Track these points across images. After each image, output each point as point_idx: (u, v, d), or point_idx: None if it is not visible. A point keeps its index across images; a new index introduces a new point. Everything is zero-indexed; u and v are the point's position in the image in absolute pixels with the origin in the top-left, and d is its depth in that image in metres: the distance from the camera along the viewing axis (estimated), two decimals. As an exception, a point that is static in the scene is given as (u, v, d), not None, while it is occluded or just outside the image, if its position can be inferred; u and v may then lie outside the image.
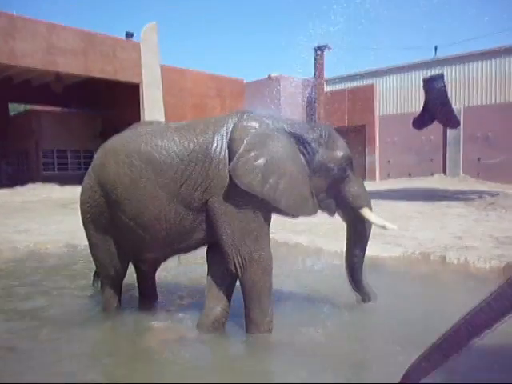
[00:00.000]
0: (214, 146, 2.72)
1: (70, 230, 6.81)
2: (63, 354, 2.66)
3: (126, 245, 3.07)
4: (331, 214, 3.11)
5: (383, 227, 2.96)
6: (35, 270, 4.83)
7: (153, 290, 3.63)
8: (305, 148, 2.76)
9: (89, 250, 3.36)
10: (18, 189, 16.39)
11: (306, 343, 2.70)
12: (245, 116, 2.79)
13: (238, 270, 2.70)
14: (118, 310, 3.34)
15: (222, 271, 2.81)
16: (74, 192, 12.62)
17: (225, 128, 2.77)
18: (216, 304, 2.84)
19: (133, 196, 2.79)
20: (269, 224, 2.80)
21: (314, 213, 2.87)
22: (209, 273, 2.92)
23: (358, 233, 3.15)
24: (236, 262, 2.69)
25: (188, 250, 3.05)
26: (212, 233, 2.76)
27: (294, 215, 2.86)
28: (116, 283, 3.29)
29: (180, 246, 2.94)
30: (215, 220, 2.69)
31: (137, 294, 3.66)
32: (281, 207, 2.67)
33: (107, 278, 3.27)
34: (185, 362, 2.49)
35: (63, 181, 18.21)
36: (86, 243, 4.86)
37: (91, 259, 3.40)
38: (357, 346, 2.74)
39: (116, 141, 3.03)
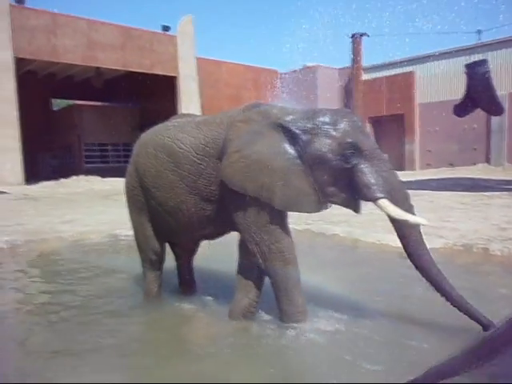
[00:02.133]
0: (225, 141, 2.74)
1: (111, 220, 7.05)
2: (103, 343, 2.76)
3: (159, 228, 3.28)
4: (355, 209, 2.69)
5: (407, 222, 2.44)
6: (79, 257, 5.04)
7: (191, 277, 3.73)
8: (297, 142, 2.56)
9: (129, 240, 3.49)
10: (62, 181, 17.05)
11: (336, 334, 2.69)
12: (246, 111, 2.76)
13: (261, 262, 2.72)
14: (158, 296, 3.46)
15: (250, 262, 2.83)
16: (114, 184, 13.07)
17: None
18: (244, 295, 2.88)
19: (158, 185, 3.01)
20: (283, 216, 2.74)
21: (318, 209, 2.65)
22: (238, 263, 2.96)
23: (397, 232, 2.63)
24: (257, 254, 2.71)
25: (214, 236, 3.21)
26: (232, 224, 2.80)
27: (295, 211, 2.69)
28: (155, 267, 3.43)
29: (204, 232, 3.07)
30: (232, 214, 2.74)
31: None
32: (275, 205, 2.55)
33: (147, 262, 3.44)
34: (210, 350, 2.54)
35: (104, 173, 18.80)
36: (127, 233, 5.05)
37: (133, 248, 3.55)
38: (395, 335, 2.70)
39: (148, 133, 3.26)
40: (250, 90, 23.31)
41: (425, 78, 22.35)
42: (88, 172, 20.07)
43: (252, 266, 2.84)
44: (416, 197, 9.72)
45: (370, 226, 6.01)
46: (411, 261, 2.64)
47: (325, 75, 26.49)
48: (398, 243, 5.01)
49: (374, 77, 24.19)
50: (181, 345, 2.68)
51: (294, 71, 27.35)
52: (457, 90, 19.98)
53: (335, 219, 6.64)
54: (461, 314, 2.57)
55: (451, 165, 20.10)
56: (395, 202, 2.48)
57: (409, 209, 2.52)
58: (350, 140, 2.49)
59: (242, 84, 22.98)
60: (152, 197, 3.11)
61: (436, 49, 21.99)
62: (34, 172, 24.48)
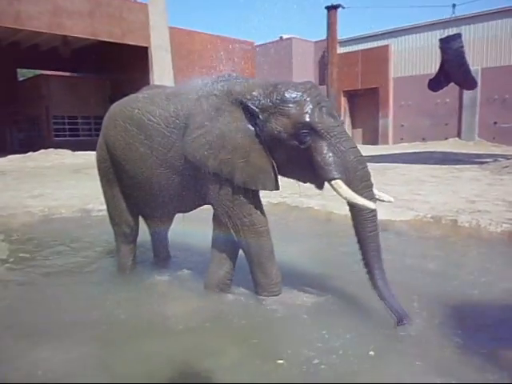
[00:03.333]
0: None
1: (82, 194, 6.89)
2: (74, 320, 2.72)
3: (131, 201, 3.25)
4: (318, 187, 2.62)
5: (362, 206, 2.34)
6: (50, 232, 4.93)
7: (165, 250, 3.72)
8: (256, 120, 2.51)
9: (101, 215, 3.42)
10: (31, 155, 16.52)
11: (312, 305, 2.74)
12: (213, 84, 2.70)
13: (234, 234, 2.72)
14: (132, 270, 3.45)
15: (224, 235, 2.82)
16: (85, 158, 12.76)
17: None
18: (219, 267, 2.89)
19: (128, 157, 2.97)
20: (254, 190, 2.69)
21: (277, 187, 2.61)
22: (212, 236, 2.94)
23: (353, 216, 2.50)
24: (230, 227, 2.71)
25: (187, 210, 3.17)
26: (205, 197, 2.79)
27: (254, 189, 2.63)
28: (129, 241, 3.41)
29: (176, 205, 3.04)
30: (205, 187, 2.73)
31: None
32: (235, 182, 2.54)
33: (120, 236, 3.42)
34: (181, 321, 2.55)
35: (74, 147, 18.31)
36: (99, 208, 4.94)
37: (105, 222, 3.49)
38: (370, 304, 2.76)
39: (117, 105, 3.20)
40: (224, 62, 22.85)
41: (399, 51, 22.43)
42: (57, 145, 19.46)
43: (226, 239, 2.83)
44: (389, 170, 9.92)
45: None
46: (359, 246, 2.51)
47: (300, 48, 26.27)
48: (370, 216, 5.11)
49: (349, 50, 24.12)
50: (157, 320, 2.65)
51: (270, 43, 26.99)
52: (431, 64, 20.16)
53: (310, 192, 6.67)
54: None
55: (424, 139, 20.46)
56: (350, 182, 2.36)
57: (365, 190, 2.39)
58: (304, 120, 2.38)
59: (216, 55, 22.49)
60: (123, 170, 3.08)
61: (411, 22, 22.04)
62: (0, 145, 23.67)
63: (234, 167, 2.51)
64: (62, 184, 8.71)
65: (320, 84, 24.37)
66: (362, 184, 2.40)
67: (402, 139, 21.71)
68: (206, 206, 2.96)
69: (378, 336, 2.34)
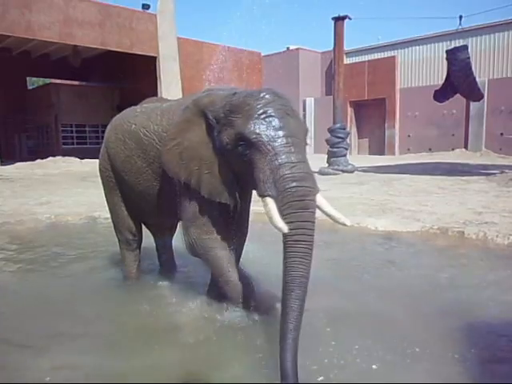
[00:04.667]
0: None
1: (89, 202, 6.95)
2: (79, 329, 2.73)
3: (132, 209, 3.33)
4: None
5: (280, 230, 2.01)
6: (56, 239, 4.96)
7: (171, 259, 3.73)
8: (214, 131, 2.46)
9: (107, 223, 3.46)
10: (39, 162, 16.67)
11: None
12: (194, 96, 2.68)
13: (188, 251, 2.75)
14: (137, 278, 3.46)
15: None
16: (92, 165, 12.84)
17: None
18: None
19: (127, 169, 3.06)
20: (218, 207, 2.59)
21: (235, 200, 2.50)
22: None
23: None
24: (185, 244, 2.72)
25: None
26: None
27: (218, 201, 2.52)
28: (132, 248, 3.45)
29: (174, 214, 2.97)
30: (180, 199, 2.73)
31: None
32: (202, 193, 2.51)
33: (123, 243, 3.47)
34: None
35: (82, 154, 18.45)
36: (106, 215, 4.97)
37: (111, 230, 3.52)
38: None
39: (117, 118, 3.28)
40: (231, 72, 23.02)
41: (406, 62, 22.48)
42: (65, 153, 19.65)
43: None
44: (395, 181, 9.90)
45: (349, 208, 6.08)
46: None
47: (307, 58, 26.42)
48: (376, 226, 5.11)
49: (356, 61, 24.23)
50: (165, 331, 2.63)
51: (277, 53, 27.18)
52: (437, 75, 20.20)
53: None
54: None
55: (430, 150, 20.42)
56: (278, 201, 2.08)
57: (289, 211, 2.04)
58: (240, 131, 2.22)
59: (224, 65, 22.65)
60: (122, 180, 3.17)
61: (418, 34, 22.11)
62: (10, 153, 23.91)
63: (201, 179, 2.51)
64: (69, 191, 8.77)
65: (327, 94, 24.46)
66: (287, 204, 2.04)
67: (408, 150, 21.67)
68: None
69: (383, 350, 2.32)
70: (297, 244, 2.01)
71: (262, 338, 2.46)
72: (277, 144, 2.14)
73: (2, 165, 16.22)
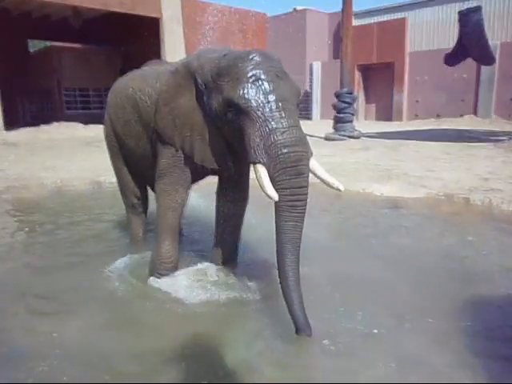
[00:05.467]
0: None
1: (94, 167, 6.94)
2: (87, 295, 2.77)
3: (135, 173, 3.35)
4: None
5: (270, 197, 2.03)
6: (64, 204, 4.99)
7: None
8: (203, 96, 2.39)
9: (113, 187, 3.47)
10: (43, 127, 16.59)
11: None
12: (186, 59, 2.65)
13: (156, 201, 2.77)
14: (143, 240, 3.50)
15: (228, 209, 2.87)
16: (96, 131, 12.76)
17: None
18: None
19: (127, 133, 3.06)
20: (189, 170, 2.63)
21: (228, 163, 2.48)
22: (216, 210, 2.97)
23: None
24: (157, 193, 2.75)
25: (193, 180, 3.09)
26: None
27: (210, 166, 2.51)
28: (138, 211, 3.51)
29: None
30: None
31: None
32: (195, 159, 2.50)
33: (129, 206, 3.52)
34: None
35: (86, 119, 18.32)
36: (111, 180, 4.98)
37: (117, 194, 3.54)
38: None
39: (118, 82, 3.28)
40: (236, 34, 22.48)
41: (417, 25, 21.80)
42: (69, 118, 19.52)
43: (230, 214, 2.87)
44: (402, 146, 9.79)
45: (355, 174, 6.05)
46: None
47: (315, 20, 25.67)
48: (381, 192, 5.09)
49: (365, 23, 23.52)
50: (168, 303, 2.63)
51: (283, 15, 26.41)
52: (449, 38, 19.60)
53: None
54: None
55: (438, 116, 20.07)
56: (270, 167, 2.06)
57: (282, 177, 2.04)
58: (228, 96, 2.14)
59: (228, 28, 22.10)
60: (124, 144, 3.18)
61: (429, -6, 21.33)
62: (13, 118, 23.75)
63: (193, 145, 2.48)
64: (73, 157, 8.77)
65: (334, 58, 23.91)
66: (280, 170, 2.03)
67: (416, 116, 21.31)
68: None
69: (384, 316, 2.35)
70: (292, 209, 2.05)
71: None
72: (267, 109, 2.07)
73: (5, 130, 16.18)
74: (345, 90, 12.16)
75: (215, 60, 2.30)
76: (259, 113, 2.08)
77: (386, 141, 10.61)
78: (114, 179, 3.62)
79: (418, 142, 10.09)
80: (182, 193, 2.69)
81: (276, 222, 2.09)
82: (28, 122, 21.72)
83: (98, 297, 2.63)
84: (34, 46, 29.14)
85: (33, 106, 27.01)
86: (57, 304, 2.54)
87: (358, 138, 11.58)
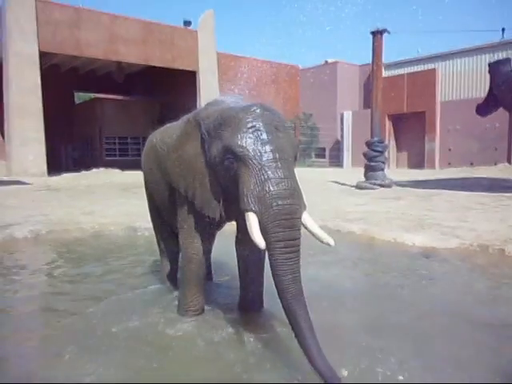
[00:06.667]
0: None
1: (130, 212, 7.19)
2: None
3: (162, 218, 3.44)
4: None
5: (258, 245, 2.08)
6: (101, 248, 5.19)
7: (208, 270, 3.79)
8: (205, 144, 2.48)
9: (148, 233, 3.62)
10: (83, 173, 17.37)
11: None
12: (194, 111, 2.76)
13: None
14: (174, 285, 3.54)
15: (248, 255, 2.89)
16: (133, 177, 13.28)
17: None
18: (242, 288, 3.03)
19: (150, 180, 3.30)
20: (202, 218, 2.63)
21: (216, 214, 2.50)
22: (237, 257, 3.01)
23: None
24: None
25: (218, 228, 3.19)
26: None
27: (208, 214, 2.54)
28: (170, 257, 3.52)
29: None
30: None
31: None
32: (195, 206, 2.55)
33: (161, 251, 3.66)
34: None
35: (123, 166, 19.09)
36: (146, 226, 5.17)
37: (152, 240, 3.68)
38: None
39: (152, 133, 3.42)
40: (269, 86, 23.31)
41: (447, 75, 22.03)
42: (108, 164, 20.39)
43: (249, 261, 2.89)
44: (434, 196, 9.69)
45: (386, 224, 6.03)
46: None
47: (345, 71, 26.36)
48: (414, 242, 5.05)
49: (395, 74, 23.96)
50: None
51: (315, 67, 27.28)
52: (479, 88, 19.67)
53: (351, 216, 6.67)
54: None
55: (471, 164, 19.80)
56: (262, 217, 2.09)
57: (275, 230, 2.07)
58: (227, 143, 2.21)
59: (261, 79, 22.98)
60: (151, 191, 3.41)
61: (459, 46, 21.67)
62: (56, 164, 25.02)
63: (195, 192, 2.54)
64: (111, 202, 9.12)
65: (365, 107, 24.27)
66: (275, 222, 2.06)
67: (449, 164, 21.11)
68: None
69: (414, 363, 2.32)
70: (288, 261, 2.07)
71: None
72: (264, 159, 2.13)
73: (49, 175, 17.04)
74: (376, 138, 12.29)
75: (220, 110, 2.39)
76: (255, 161, 2.13)
77: (418, 190, 10.52)
78: (149, 225, 3.78)
79: (450, 191, 9.96)
80: (201, 242, 2.73)
81: (274, 277, 2.11)
82: (70, 168, 22.77)
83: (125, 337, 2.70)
84: (80, 97, 31.05)
85: (75, 153, 28.38)
86: (90, 342, 2.63)
87: (389, 186, 11.55)
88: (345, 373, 2.12)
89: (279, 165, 2.13)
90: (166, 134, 3.01)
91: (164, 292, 3.52)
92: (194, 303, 2.83)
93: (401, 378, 2.16)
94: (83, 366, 2.31)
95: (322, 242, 2.24)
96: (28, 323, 3.05)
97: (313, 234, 2.25)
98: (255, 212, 2.11)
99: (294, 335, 2.09)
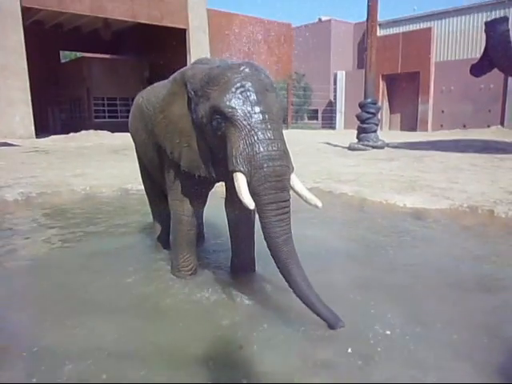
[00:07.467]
0: None
1: (122, 174, 7.15)
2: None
3: (153, 180, 3.39)
4: None
5: (247, 205, 2.08)
6: (93, 209, 5.18)
7: (200, 230, 3.79)
8: (192, 104, 2.43)
9: (140, 194, 3.60)
10: (72, 135, 17.09)
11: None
12: (185, 68, 2.68)
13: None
14: (166, 247, 3.56)
15: (237, 216, 2.87)
16: (123, 139, 13.10)
17: None
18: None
19: (138, 141, 3.25)
20: (190, 179, 2.61)
21: (210, 172, 2.48)
22: (227, 218, 2.99)
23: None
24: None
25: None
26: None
27: (196, 174, 2.53)
28: (162, 218, 3.50)
29: None
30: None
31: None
32: (181, 166, 2.52)
33: (152, 212, 3.66)
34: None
35: (113, 128, 18.81)
36: (138, 187, 5.14)
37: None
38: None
39: (140, 93, 3.33)
40: (261, 44, 22.74)
41: (442, 35, 21.61)
42: (97, 126, 20.08)
43: (239, 222, 2.88)
44: (426, 157, 9.72)
45: (378, 185, 6.06)
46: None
47: (339, 30, 25.72)
48: (405, 203, 5.09)
49: (390, 32, 23.45)
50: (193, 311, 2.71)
51: (308, 25, 26.56)
52: (475, 48, 19.37)
53: (343, 178, 6.68)
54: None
55: (464, 126, 19.77)
56: (252, 178, 2.09)
57: (265, 191, 2.08)
58: (215, 104, 2.17)
59: (253, 37, 22.38)
60: (137, 151, 3.39)
61: (455, 4, 21.14)
62: (44, 126, 24.58)
63: (181, 152, 2.51)
64: (102, 164, 9.03)
65: (358, 67, 23.87)
66: (265, 183, 2.07)
67: (441, 126, 21.05)
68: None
69: (399, 318, 2.38)
70: (280, 223, 2.10)
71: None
72: (253, 120, 2.11)
73: (37, 137, 16.75)
74: (369, 99, 12.15)
75: (207, 69, 2.35)
76: (245, 122, 2.11)
77: (411, 151, 10.54)
78: (140, 186, 3.77)
79: (442, 152, 9.99)
80: (190, 203, 2.73)
81: (266, 239, 2.14)
82: (58, 130, 22.40)
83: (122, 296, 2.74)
84: (65, 56, 30.13)
85: (63, 115, 27.85)
86: (87, 301, 2.65)
87: (382, 148, 11.53)
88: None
89: (269, 126, 2.12)
90: (152, 94, 2.93)
91: (155, 251, 3.55)
92: (187, 263, 2.86)
93: (388, 332, 2.22)
94: (79, 322, 2.34)
95: (309, 204, 2.24)
96: (22, 282, 3.08)
97: (300, 196, 2.25)
98: (244, 173, 2.11)
99: (292, 292, 2.16)
